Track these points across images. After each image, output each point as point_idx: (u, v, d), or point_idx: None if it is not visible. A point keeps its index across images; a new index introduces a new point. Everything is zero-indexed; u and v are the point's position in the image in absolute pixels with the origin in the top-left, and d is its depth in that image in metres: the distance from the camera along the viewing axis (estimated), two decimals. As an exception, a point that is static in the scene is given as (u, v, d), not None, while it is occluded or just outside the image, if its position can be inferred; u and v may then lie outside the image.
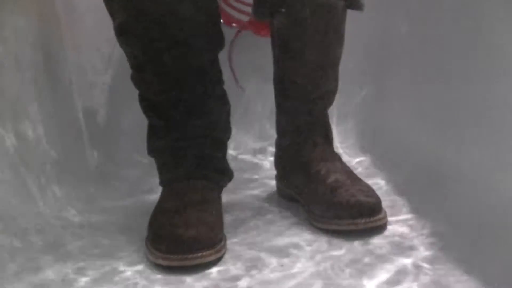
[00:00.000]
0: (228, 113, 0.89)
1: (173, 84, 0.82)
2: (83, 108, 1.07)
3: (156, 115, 0.84)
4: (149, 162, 0.89)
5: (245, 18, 1.16)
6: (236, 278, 0.69)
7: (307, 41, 0.84)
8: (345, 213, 0.79)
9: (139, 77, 0.83)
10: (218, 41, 0.84)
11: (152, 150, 0.87)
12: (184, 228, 0.73)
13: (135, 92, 0.85)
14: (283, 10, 0.83)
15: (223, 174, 0.88)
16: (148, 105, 0.84)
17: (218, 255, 0.74)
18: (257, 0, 0.87)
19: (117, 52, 1.12)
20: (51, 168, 0.91)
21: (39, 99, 0.91)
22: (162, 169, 0.86)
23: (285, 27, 0.84)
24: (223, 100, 0.87)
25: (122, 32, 0.80)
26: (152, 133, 0.86)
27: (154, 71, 0.81)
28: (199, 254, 0.71)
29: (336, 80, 0.90)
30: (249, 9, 1.10)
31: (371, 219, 0.79)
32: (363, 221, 0.78)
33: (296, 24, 0.84)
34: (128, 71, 0.83)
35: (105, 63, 1.14)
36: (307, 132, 0.90)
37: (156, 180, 0.87)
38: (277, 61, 0.89)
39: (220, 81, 0.87)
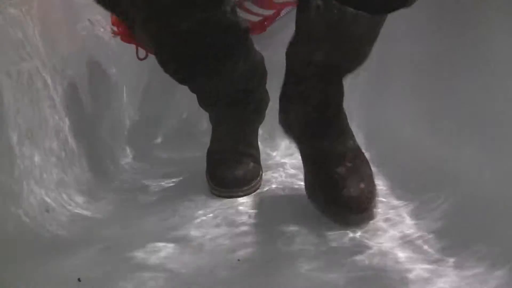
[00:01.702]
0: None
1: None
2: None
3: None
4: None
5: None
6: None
7: (338, 35, 0.79)
8: (342, 210, 0.80)
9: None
10: None
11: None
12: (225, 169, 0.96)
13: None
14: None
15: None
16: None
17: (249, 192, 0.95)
18: None
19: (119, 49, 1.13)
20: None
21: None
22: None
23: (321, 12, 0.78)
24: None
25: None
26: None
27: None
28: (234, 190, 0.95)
29: (365, 57, 0.84)
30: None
31: (360, 215, 0.79)
32: (352, 217, 0.79)
33: (331, 13, 0.77)
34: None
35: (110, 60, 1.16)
36: (317, 98, 0.85)
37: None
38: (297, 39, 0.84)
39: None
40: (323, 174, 0.82)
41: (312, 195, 0.85)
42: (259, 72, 1.01)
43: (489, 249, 0.67)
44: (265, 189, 0.99)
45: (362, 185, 0.81)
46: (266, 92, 1.05)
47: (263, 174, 1.02)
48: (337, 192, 0.80)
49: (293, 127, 0.88)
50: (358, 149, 0.86)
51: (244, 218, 0.87)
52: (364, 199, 0.80)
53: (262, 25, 1.23)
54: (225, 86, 0.96)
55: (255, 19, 1.20)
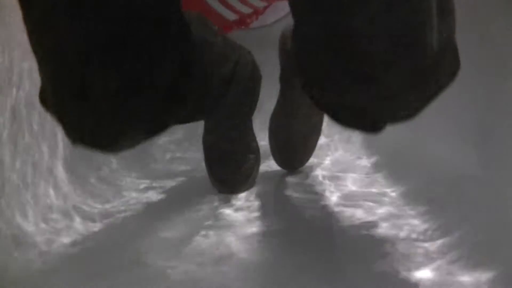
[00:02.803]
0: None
1: None
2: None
3: None
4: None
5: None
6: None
7: None
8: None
9: None
10: None
11: None
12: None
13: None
14: None
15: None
16: None
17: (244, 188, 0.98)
18: None
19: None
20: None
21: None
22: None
23: None
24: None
25: None
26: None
27: None
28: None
29: None
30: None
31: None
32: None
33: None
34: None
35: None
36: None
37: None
38: None
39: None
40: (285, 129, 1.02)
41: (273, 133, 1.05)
42: (254, 78, 1.01)
43: (489, 249, 0.67)
44: (266, 181, 1.01)
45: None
46: (257, 74, 1.03)
47: (260, 164, 1.03)
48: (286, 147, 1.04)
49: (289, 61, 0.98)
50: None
51: (245, 214, 0.87)
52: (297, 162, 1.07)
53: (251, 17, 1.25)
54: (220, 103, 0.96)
55: (248, 11, 1.24)
